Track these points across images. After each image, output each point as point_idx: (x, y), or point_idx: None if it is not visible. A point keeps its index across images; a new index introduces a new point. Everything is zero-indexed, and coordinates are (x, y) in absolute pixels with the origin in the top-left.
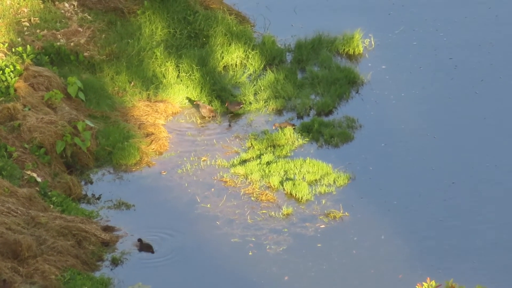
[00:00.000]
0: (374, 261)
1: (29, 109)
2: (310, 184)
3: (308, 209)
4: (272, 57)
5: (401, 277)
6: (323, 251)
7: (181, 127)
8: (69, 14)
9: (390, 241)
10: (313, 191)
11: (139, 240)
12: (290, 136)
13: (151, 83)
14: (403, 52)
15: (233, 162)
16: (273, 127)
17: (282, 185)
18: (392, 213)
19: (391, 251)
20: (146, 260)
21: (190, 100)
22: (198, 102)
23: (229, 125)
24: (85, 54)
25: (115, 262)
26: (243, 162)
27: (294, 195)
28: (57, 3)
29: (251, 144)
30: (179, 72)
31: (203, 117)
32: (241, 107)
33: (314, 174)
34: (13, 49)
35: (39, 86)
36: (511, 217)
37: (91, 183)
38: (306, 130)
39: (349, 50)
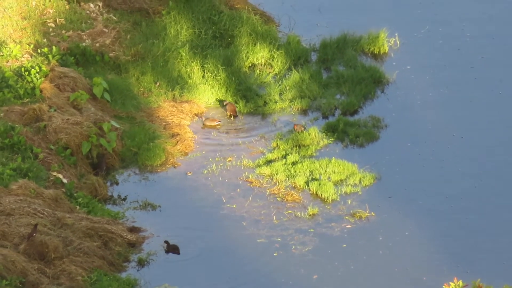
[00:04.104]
0: (400, 261)
1: (55, 110)
2: (336, 184)
3: (334, 209)
4: (297, 57)
5: (428, 277)
6: (349, 251)
7: (206, 128)
8: (94, 15)
9: (416, 241)
10: (339, 191)
11: (166, 242)
12: (315, 136)
13: (177, 84)
14: (428, 52)
15: (259, 162)
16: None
17: (308, 185)
18: (418, 213)
19: (417, 251)
20: (172, 261)
21: (219, 100)
22: (226, 102)
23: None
24: (111, 54)
25: (141, 263)
26: (269, 162)
27: (320, 195)
28: (82, 4)
29: (277, 144)
30: (204, 72)
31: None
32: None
33: (339, 174)
34: (39, 50)
35: (64, 87)
36: None
37: (117, 184)
38: (331, 130)
39: (374, 49)
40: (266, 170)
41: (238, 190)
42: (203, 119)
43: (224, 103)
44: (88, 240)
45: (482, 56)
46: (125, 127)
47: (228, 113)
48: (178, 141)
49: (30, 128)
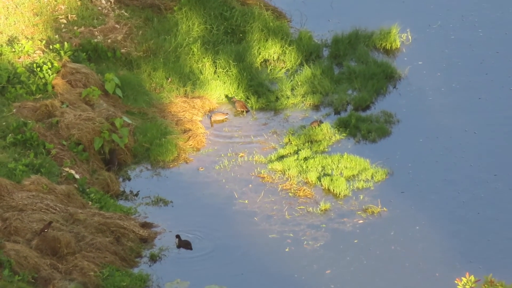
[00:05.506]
0: (412, 256)
1: (67, 106)
2: (348, 179)
3: (346, 205)
4: (309, 53)
5: (440, 273)
6: (361, 246)
7: (215, 123)
8: (106, 11)
9: (428, 236)
10: (351, 187)
11: (177, 236)
12: (327, 132)
13: (188, 79)
14: (440, 47)
15: (271, 158)
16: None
17: (320, 181)
18: (430, 208)
19: (429, 246)
20: (184, 257)
21: (227, 97)
22: (234, 99)
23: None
24: (122, 50)
25: (153, 259)
26: (281, 157)
27: (332, 190)
28: (93, 0)
29: (289, 139)
30: (216, 68)
31: (237, 112)
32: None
33: (351, 169)
34: (51, 46)
35: (76, 83)
36: None
37: (129, 179)
38: (343, 125)
39: (386, 44)
40: (278, 165)
41: (250, 185)
42: (210, 115)
43: (233, 100)
44: (100, 236)
45: (497, 52)
46: (137, 122)
47: (239, 110)
48: (190, 137)
49: (42, 124)
